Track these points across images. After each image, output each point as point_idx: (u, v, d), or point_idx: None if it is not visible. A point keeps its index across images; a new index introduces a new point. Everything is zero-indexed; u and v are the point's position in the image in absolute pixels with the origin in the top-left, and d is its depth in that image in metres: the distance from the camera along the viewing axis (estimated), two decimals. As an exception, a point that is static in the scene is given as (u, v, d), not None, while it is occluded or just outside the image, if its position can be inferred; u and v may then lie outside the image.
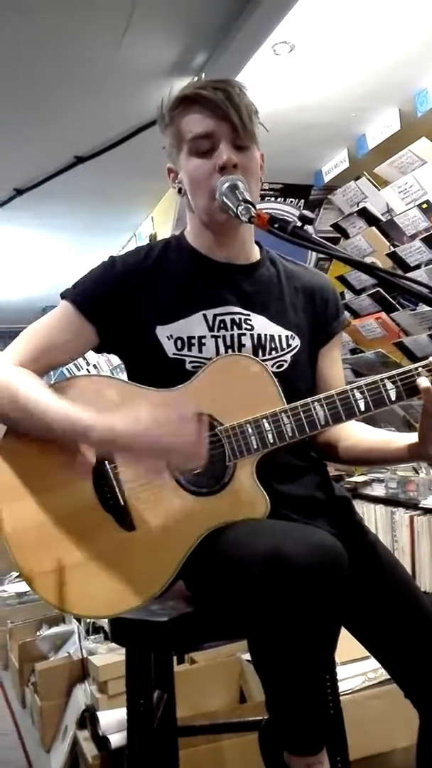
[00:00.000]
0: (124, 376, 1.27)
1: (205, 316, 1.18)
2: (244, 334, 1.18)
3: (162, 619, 1.12)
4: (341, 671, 1.30)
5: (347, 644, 1.13)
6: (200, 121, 1.14)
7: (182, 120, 1.16)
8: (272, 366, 1.18)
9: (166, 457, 1.05)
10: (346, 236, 2.88)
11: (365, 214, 2.74)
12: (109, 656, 2.13)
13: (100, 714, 1.91)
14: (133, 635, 1.15)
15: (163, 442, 1.03)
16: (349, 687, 1.72)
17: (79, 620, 2.47)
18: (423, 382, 1.04)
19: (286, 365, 1.20)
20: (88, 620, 2.36)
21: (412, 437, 1.12)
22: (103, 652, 2.22)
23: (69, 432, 1.07)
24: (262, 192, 3.01)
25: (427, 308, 2.40)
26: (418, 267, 2.43)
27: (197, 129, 1.14)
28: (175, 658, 1.68)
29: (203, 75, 2.20)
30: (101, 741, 1.86)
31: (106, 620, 1.87)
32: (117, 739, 1.81)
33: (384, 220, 2.65)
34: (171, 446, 1.03)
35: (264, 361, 1.17)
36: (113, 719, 1.87)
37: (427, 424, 1.07)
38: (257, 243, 1.28)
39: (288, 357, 1.20)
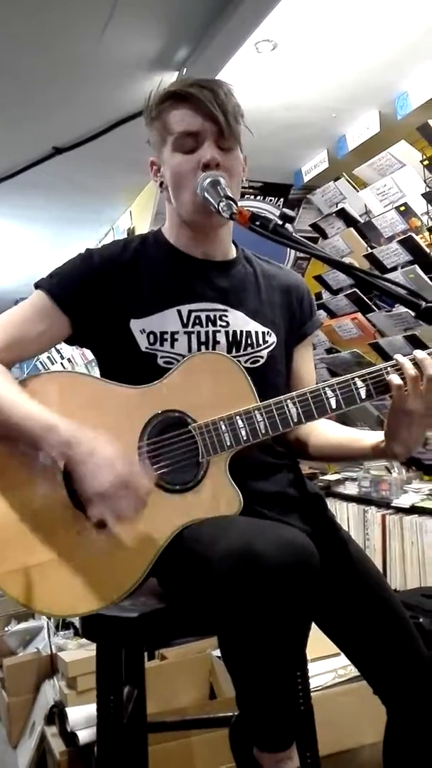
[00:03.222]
0: (97, 371, 1.26)
1: (179, 311, 1.18)
2: (219, 331, 1.18)
3: (133, 615, 1.11)
4: (312, 668, 1.31)
5: (318, 641, 1.13)
6: (187, 119, 1.14)
7: (169, 115, 1.15)
8: (248, 362, 1.18)
9: (100, 508, 1.03)
10: (325, 236, 2.90)
11: (344, 215, 2.76)
12: (78, 652, 2.11)
13: (68, 710, 1.90)
14: (104, 631, 1.14)
15: (106, 498, 1.02)
16: (319, 683, 1.74)
17: (48, 617, 2.45)
18: (395, 379, 1.05)
19: (261, 361, 1.20)
20: (57, 618, 2.34)
21: (379, 435, 1.14)
22: (72, 648, 2.21)
23: (34, 431, 1.06)
24: (242, 189, 3.02)
25: (402, 310, 2.42)
26: (394, 269, 2.46)
27: (183, 126, 1.14)
28: (145, 654, 1.67)
29: (185, 70, 2.19)
30: (69, 737, 1.85)
31: (76, 617, 1.86)
32: (85, 735, 1.81)
33: (362, 221, 2.67)
34: (111, 500, 1.02)
35: (239, 356, 1.17)
36: (82, 715, 1.86)
37: (393, 422, 1.09)
38: (233, 242, 1.28)
39: (264, 353, 1.21)
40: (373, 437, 1.16)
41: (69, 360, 5.19)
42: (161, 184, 1.22)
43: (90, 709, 1.81)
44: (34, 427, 1.06)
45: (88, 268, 1.19)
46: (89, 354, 4.57)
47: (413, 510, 2.36)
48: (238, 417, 1.09)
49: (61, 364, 5.27)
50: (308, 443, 1.25)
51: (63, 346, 4.81)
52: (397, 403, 1.07)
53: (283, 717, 1.03)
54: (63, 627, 2.45)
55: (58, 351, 5.24)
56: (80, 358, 4.93)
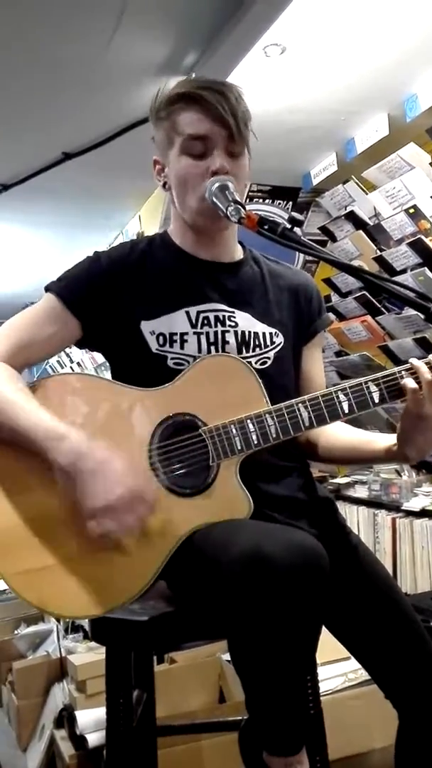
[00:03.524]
0: (108, 374, 1.26)
1: (188, 313, 1.18)
2: (228, 331, 1.18)
3: (143, 618, 1.12)
4: (322, 672, 1.31)
5: (328, 645, 1.13)
6: (198, 122, 1.13)
7: (179, 117, 1.15)
8: (257, 363, 1.18)
9: (106, 521, 1.03)
10: (334, 239, 2.90)
11: (353, 218, 2.75)
12: (87, 655, 2.12)
13: (77, 713, 1.90)
14: (113, 634, 1.14)
15: (111, 511, 1.02)
16: (329, 687, 1.73)
17: (58, 619, 2.45)
18: (410, 383, 1.05)
19: (269, 362, 1.20)
20: (67, 619, 2.34)
21: (392, 438, 1.14)
22: (82, 651, 2.21)
23: (40, 440, 1.05)
24: (251, 193, 3.02)
25: (412, 312, 2.41)
26: (404, 271, 2.45)
27: (193, 129, 1.13)
28: (155, 657, 1.67)
29: (193, 75, 2.20)
30: (78, 740, 1.85)
31: (86, 619, 1.86)
32: (94, 739, 1.80)
33: (371, 224, 2.67)
34: (116, 519, 1.02)
35: (247, 358, 1.17)
36: (91, 718, 1.86)
37: (407, 425, 1.08)
38: (240, 243, 1.28)
39: (271, 354, 1.21)
40: (385, 440, 1.15)
41: (78, 364, 5.20)
42: (165, 184, 1.22)
43: (99, 713, 1.81)
44: (41, 436, 1.05)
45: (97, 270, 1.20)
46: (99, 358, 4.59)
47: (424, 513, 2.35)
48: (249, 421, 1.08)
49: (71, 368, 5.28)
50: (318, 445, 1.25)
51: (73, 350, 4.83)
52: (411, 408, 1.06)
53: (293, 721, 1.03)
54: (72, 630, 2.45)
55: (68, 355, 5.25)
56: (90, 362, 4.93)
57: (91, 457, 1.03)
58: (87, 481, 1.03)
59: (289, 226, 1.05)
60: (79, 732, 1.85)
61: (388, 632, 1.13)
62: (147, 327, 1.17)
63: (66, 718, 1.98)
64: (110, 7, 1.89)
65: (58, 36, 2.00)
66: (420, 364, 1.05)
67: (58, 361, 5.43)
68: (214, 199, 1.11)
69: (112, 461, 1.04)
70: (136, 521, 1.03)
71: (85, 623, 2.18)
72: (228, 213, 1.08)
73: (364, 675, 1.62)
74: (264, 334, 1.21)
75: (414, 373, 1.06)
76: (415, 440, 1.09)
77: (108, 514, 1.02)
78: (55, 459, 1.05)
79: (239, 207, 1.08)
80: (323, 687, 1.48)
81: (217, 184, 1.11)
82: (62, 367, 5.42)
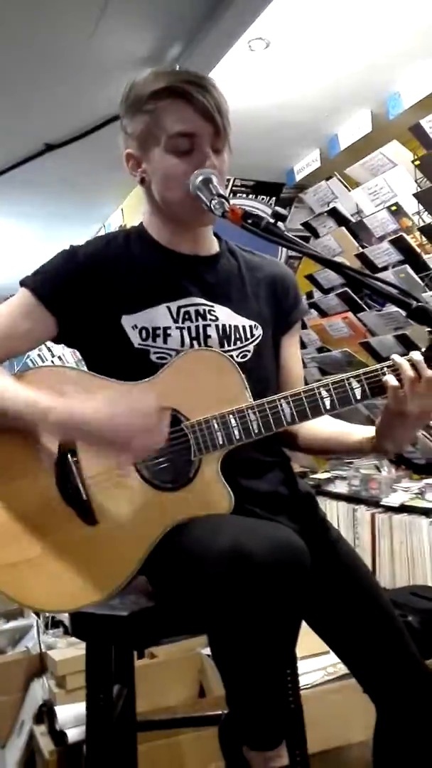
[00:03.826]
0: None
1: (169, 308, 1.17)
2: (209, 325, 1.18)
3: (123, 613, 1.11)
4: (301, 666, 1.31)
5: (307, 639, 1.14)
6: (186, 119, 1.11)
7: (164, 112, 1.12)
8: (237, 356, 1.18)
9: (123, 448, 1.05)
10: (316, 235, 2.91)
11: (335, 215, 2.76)
12: (68, 650, 2.11)
13: (57, 708, 1.89)
14: (94, 629, 1.14)
15: (121, 434, 1.03)
16: (308, 681, 1.74)
17: (38, 614, 2.44)
18: (391, 380, 1.05)
19: (250, 355, 1.20)
20: (47, 614, 2.33)
21: (370, 431, 1.15)
22: (62, 647, 2.20)
23: (27, 415, 1.06)
24: (234, 188, 3.02)
25: (393, 309, 2.43)
26: (385, 268, 2.46)
27: (182, 126, 1.11)
28: (135, 652, 1.67)
29: (177, 68, 2.19)
30: (58, 736, 1.84)
31: (66, 614, 1.85)
32: (74, 734, 1.80)
33: (353, 220, 2.68)
34: (129, 438, 1.03)
35: (229, 351, 1.17)
36: (71, 714, 1.86)
37: (386, 420, 1.09)
38: (215, 235, 1.28)
39: (251, 347, 1.21)
40: (364, 432, 1.17)
41: (60, 357, 5.16)
42: (143, 180, 1.19)
43: (79, 708, 1.81)
44: (32, 410, 1.06)
45: (73, 265, 1.18)
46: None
47: (403, 509, 2.37)
48: (231, 416, 1.08)
49: (52, 361, 5.25)
50: (298, 435, 1.26)
51: (53, 344, 4.78)
52: (392, 404, 1.06)
53: (273, 715, 1.03)
54: (52, 626, 2.44)
55: (49, 349, 5.21)
56: (71, 355, 4.90)
57: (85, 410, 1.05)
58: (88, 429, 1.04)
59: (272, 220, 1.04)
60: (59, 727, 1.84)
61: (367, 627, 1.14)
62: (129, 321, 1.16)
63: (46, 713, 1.96)
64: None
65: (42, 27, 1.98)
66: (402, 361, 1.05)
67: (38, 355, 5.38)
68: (198, 193, 1.10)
69: (104, 406, 1.05)
70: (152, 440, 1.05)
71: (65, 619, 2.17)
72: (212, 206, 1.07)
73: (342, 669, 1.63)
74: (244, 327, 1.21)
75: (396, 370, 1.06)
76: (393, 435, 1.10)
77: (124, 440, 1.04)
78: (48, 428, 1.06)
79: (223, 200, 1.07)
80: (303, 681, 1.48)
81: (200, 178, 1.10)
82: (43, 361, 5.38)
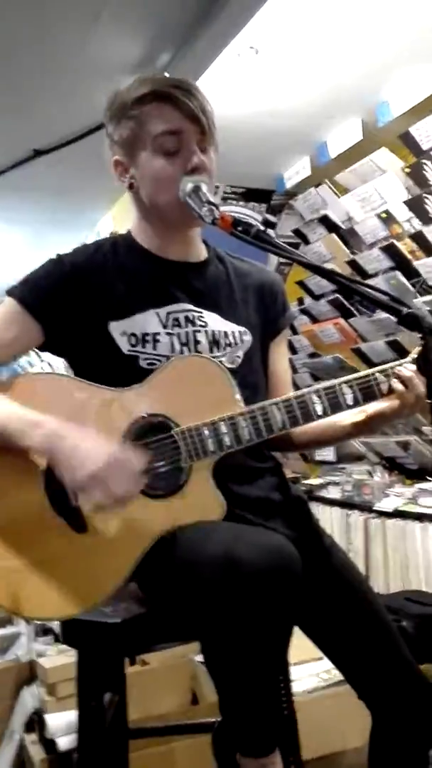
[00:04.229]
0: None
1: (158, 314, 1.17)
2: (199, 331, 1.18)
3: (115, 620, 1.11)
4: (295, 672, 1.31)
5: (301, 645, 1.14)
6: (171, 119, 1.12)
7: (150, 115, 1.13)
8: (227, 362, 1.18)
9: (95, 492, 1.02)
10: (307, 242, 2.92)
11: (326, 221, 2.78)
12: (58, 658, 2.09)
13: (48, 717, 1.88)
14: (85, 637, 1.13)
15: (99, 480, 1.00)
16: (302, 688, 1.74)
17: (28, 622, 2.42)
18: (396, 385, 1.08)
19: (240, 361, 1.20)
20: (37, 622, 2.32)
21: (357, 415, 1.17)
22: (52, 654, 2.18)
23: (16, 428, 1.05)
24: (225, 195, 3.03)
25: (384, 315, 2.44)
26: (376, 275, 2.48)
27: (167, 125, 1.12)
28: (126, 659, 1.66)
29: (166, 74, 2.19)
30: (49, 744, 1.83)
31: (56, 622, 1.84)
32: (65, 742, 1.78)
33: (344, 227, 2.69)
34: (104, 488, 1.01)
35: (218, 357, 1.17)
36: (62, 722, 1.84)
37: (385, 418, 1.13)
38: (204, 241, 1.28)
39: (241, 353, 1.21)
40: (351, 417, 1.18)
41: (49, 364, 5.14)
42: (131, 185, 1.20)
43: (70, 716, 1.79)
44: (16, 425, 1.05)
45: (60, 273, 1.17)
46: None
47: (396, 514, 2.37)
48: (222, 423, 1.08)
49: (41, 367, 5.23)
50: (291, 434, 1.26)
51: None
52: (399, 409, 1.11)
53: (266, 722, 1.03)
54: (43, 633, 2.42)
55: (38, 354, 5.19)
56: (61, 361, 4.89)
57: (70, 435, 1.03)
58: (70, 456, 1.02)
59: (262, 228, 1.05)
60: (50, 736, 1.82)
61: (361, 633, 1.14)
62: (117, 328, 1.16)
63: (36, 721, 1.95)
64: (85, 6, 1.88)
65: (32, 34, 1.98)
66: (411, 375, 1.08)
67: (28, 361, 5.36)
68: (188, 200, 1.10)
69: (89, 436, 1.04)
70: (125, 489, 1.02)
71: (56, 626, 2.16)
72: (202, 214, 1.08)
73: (337, 675, 1.63)
74: (233, 333, 1.21)
75: (387, 375, 1.08)
76: (386, 423, 1.16)
77: (96, 483, 1.00)
78: (32, 443, 1.05)
79: (213, 208, 1.08)
80: (297, 687, 1.49)
81: (190, 185, 1.11)
82: (32, 367, 5.36)
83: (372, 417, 1.15)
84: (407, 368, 1.09)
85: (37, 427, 1.05)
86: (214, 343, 1.18)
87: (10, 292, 1.18)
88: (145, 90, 1.14)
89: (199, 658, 1.95)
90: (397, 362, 1.10)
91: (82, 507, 1.07)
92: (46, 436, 1.04)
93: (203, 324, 1.18)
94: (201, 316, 1.19)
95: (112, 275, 1.18)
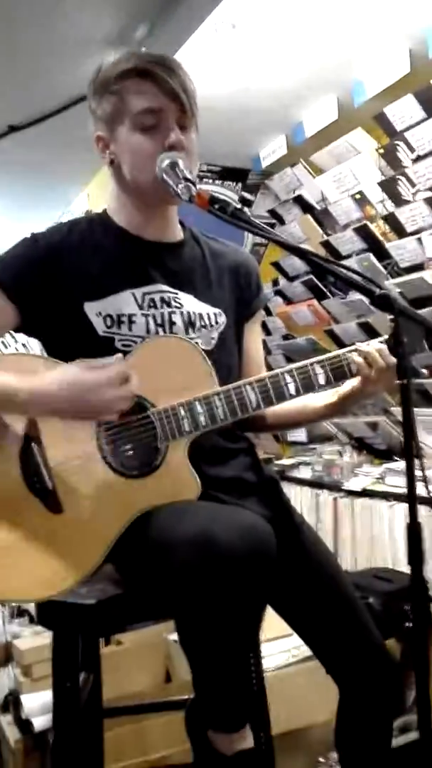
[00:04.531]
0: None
1: (133, 294, 1.16)
2: (174, 312, 1.18)
3: (90, 601, 1.11)
4: (266, 648, 1.33)
5: (272, 622, 1.15)
6: (151, 96, 1.11)
7: (130, 92, 1.13)
8: (202, 343, 1.18)
9: (87, 416, 1.06)
10: (282, 222, 2.91)
11: (300, 202, 2.77)
12: (33, 639, 2.09)
13: (23, 697, 1.88)
14: (60, 618, 1.13)
15: (87, 394, 1.04)
16: (273, 664, 1.77)
17: (2, 604, 2.42)
18: (357, 358, 1.12)
19: (214, 342, 1.21)
20: (13, 604, 2.31)
21: (330, 396, 1.21)
22: (27, 636, 2.18)
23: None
24: (201, 173, 2.99)
25: (356, 297, 2.46)
26: (349, 256, 2.48)
27: (147, 103, 1.11)
28: (101, 639, 1.67)
29: (143, 49, 2.16)
30: (24, 724, 1.84)
31: (32, 604, 1.84)
32: (40, 722, 1.79)
33: (318, 208, 2.69)
34: (93, 410, 1.05)
35: (194, 338, 1.17)
36: (37, 702, 1.85)
37: (355, 397, 1.17)
38: (180, 222, 1.27)
39: (216, 334, 1.21)
40: (325, 398, 1.22)
41: (24, 345, 5.09)
42: (111, 161, 1.19)
43: (45, 696, 1.80)
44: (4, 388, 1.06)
45: (34, 253, 1.16)
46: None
47: (364, 493, 2.41)
48: (197, 402, 1.08)
49: (16, 348, 5.17)
50: (266, 414, 1.27)
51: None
52: (362, 386, 1.14)
53: (237, 698, 1.05)
54: (18, 615, 2.42)
55: (12, 336, 5.13)
56: (36, 343, 4.84)
57: (54, 384, 1.06)
58: (66, 399, 1.05)
59: (239, 206, 1.04)
60: (25, 716, 1.83)
61: (329, 610, 1.16)
62: (92, 308, 1.15)
63: (11, 702, 1.96)
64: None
65: (3, 8, 1.93)
66: (371, 350, 1.11)
67: (2, 342, 5.29)
68: (165, 176, 1.09)
69: (50, 377, 1.07)
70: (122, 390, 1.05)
71: (31, 608, 2.16)
72: (179, 191, 1.07)
73: (306, 651, 1.66)
74: (208, 314, 1.21)
75: (365, 356, 1.11)
76: (358, 402, 1.20)
77: (109, 398, 1.04)
78: (17, 409, 1.06)
79: (190, 185, 1.07)
80: (267, 663, 1.51)
81: (167, 161, 1.09)
82: (6, 348, 5.30)
83: (342, 396, 1.19)
84: (371, 345, 1.12)
85: (19, 393, 1.05)
86: (190, 324, 1.18)
87: None
88: (127, 66, 1.13)
89: (173, 637, 1.97)
90: (366, 342, 1.12)
91: (57, 487, 1.07)
92: (31, 396, 1.05)
93: (179, 305, 1.18)
94: (176, 297, 1.18)
95: (87, 255, 1.17)
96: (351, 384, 1.16)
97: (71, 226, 1.21)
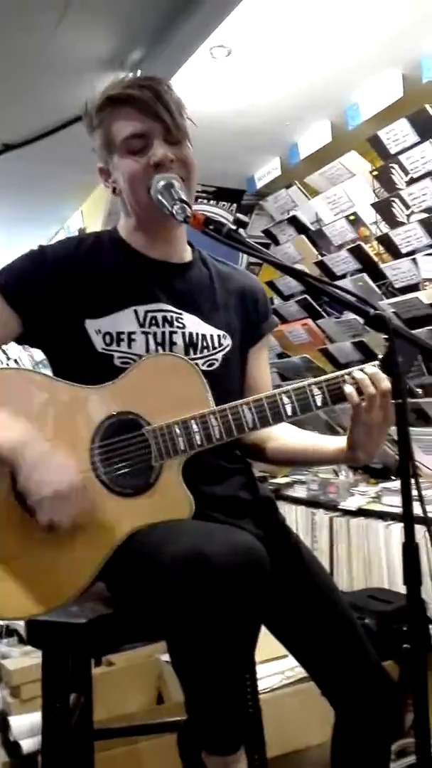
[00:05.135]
0: (47, 372, 1.23)
1: (136, 312, 1.17)
2: (176, 332, 1.18)
3: (81, 620, 1.10)
4: (260, 670, 1.32)
5: (266, 643, 1.14)
6: (131, 123, 1.13)
7: (112, 122, 1.15)
8: (203, 364, 1.18)
9: (58, 504, 1.03)
10: (277, 243, 2.94)
11: (295, 222, 2.80)
12: (22, 659, 2.07)
13: (11, 719, 1.85)
14: (50, 637, 1.12)
15: (65, 494, 1.02)
16: (267, 685, 1.75)
17: (-8, 623, 2.39)
18: (347, 388, 1.07)
19: (217, 364, 1.20)
20: (1, 623, 2.28)
21: (340, 441, 1.16)
22: (16, 656, 2.16)
23: None
24: (195, 194, 3.02)
25: (351, 317, 2.47)
26: (344, 276, 2.50)
27: (129, 130, 1.13)
28: (92, 660, 1.65)
29: (138, 72, 2.19)
30: (12, 747, 1.80)
31: (21, 623, 1.82)
32: (29, 745, 1.76)
33: (313, 229, 2.71)
34: (66, 502, 1.03)
35: (195, 359, 1.17)
36: (25, 724, 1.82)
37: (355, 432, 1.10)
38: (189, 243, 1.28)
39: (219, 356, 1.21)
40: (334, 443, 1.17)
41: (15, 361, 5.08)
42: (114, 190, 1.21)
43: (34, 718, 1.77)
44: None
45: (41, 265, 1.17)
46: (37, 355, 4.49)
47: (360, 512, 2.40)
48: (192, 421, 1.08)
49: (7, 364, 5.16)
50: (265, 447, 1.26)
51: (10, 347, 4.71)
52: (357, 416, 1.08)
53: (231, 720, 1.03)
54: (7, 634, 2.39)
55: (4, 352, 5.12)
56: (27, 359, 4.83)
57: (35, 447, 1.03)
58: (33, 469, 1.02)
59: (234, 227, 1.05)
60: (13, 738, 1.80)
61: (325, 630, 1.15)
62: (92, 326, 1.15)
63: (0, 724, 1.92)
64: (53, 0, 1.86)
65: (2, 26, 1.95)
66: (362, 377, 1.07)
67: (-4, 355, 5.28)
68: (160, 197, 1.10)
69: (55, 452, 1.04)
70: (83, 512, 1.04)
71: (20, 627, 2.13)
72: (173, 212, 1.08)
73: (301, 672, 1.65)
74: (212, 336, 1.21)
75: (356, 383, 1.07)
76: (362, 443, 1.11)
77: (58, 502, 1.02)
78: None
79: (185, 206, 1.07)
80: (261, 685, 1.49)
81: (162, 183, 1.10)
82: (-1, 364, 5.29)
83: (348, 439, 1.13)
84: (366, 369, 1.08)
85: (2, 432, 1.04)
86: (191, 345, 1.18)
87: None
88: (105, 96, 1.15)
89: (166, 657, 1.95)
90: (363, 365, 1.11)
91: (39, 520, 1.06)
92: (11, 442, 1.04)
93: (181, 325, 1.18)
94: (180, 317, 1.19)
95: (91, 272, 1.18)
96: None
97: (79, 241, 1.23)
